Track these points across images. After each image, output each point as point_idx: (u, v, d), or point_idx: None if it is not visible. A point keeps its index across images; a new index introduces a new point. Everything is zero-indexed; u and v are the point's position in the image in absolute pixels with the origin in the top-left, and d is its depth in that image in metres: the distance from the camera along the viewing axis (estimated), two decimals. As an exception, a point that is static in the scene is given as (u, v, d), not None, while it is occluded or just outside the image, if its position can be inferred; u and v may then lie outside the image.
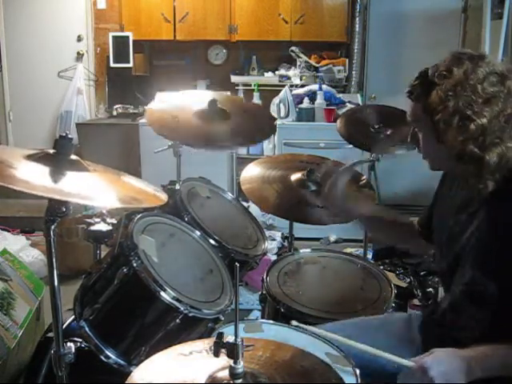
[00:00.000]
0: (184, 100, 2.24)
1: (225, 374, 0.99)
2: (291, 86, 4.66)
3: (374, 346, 1.46)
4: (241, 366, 0.98)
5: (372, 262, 2.51)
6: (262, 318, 1.89)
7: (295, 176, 2.08)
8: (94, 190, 1.24)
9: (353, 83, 4.83)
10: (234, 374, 0.97)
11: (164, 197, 1.40)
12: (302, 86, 4.67)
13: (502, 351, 1.19)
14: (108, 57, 4.78)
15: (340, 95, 4.52)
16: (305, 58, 4.80)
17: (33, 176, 1.15)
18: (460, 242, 1.34)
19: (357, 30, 4.75)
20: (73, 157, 1.26)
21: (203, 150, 2.09)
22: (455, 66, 1.25)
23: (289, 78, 4.81)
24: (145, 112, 2.21)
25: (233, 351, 0.97)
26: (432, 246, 1.60)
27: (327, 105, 4.34)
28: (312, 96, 4.44)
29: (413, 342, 1.49)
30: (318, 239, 4.20)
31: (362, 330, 1.54)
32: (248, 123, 2.22)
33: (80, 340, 1.42)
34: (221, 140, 2.09)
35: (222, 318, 1.54)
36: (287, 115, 4.35)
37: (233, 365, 0.97)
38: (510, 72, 1.27)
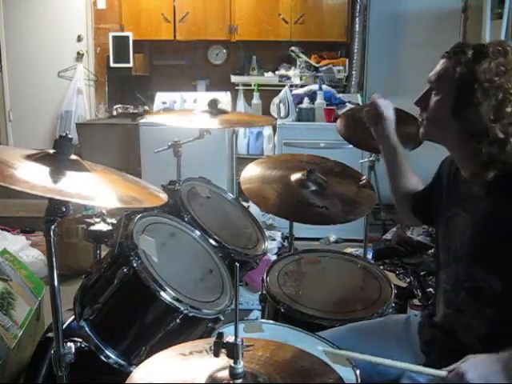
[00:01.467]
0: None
1: (225, 373, 0.99)
2: (291, 86, 4.66)
3: (373, 349, 1.46)
4: (241, 366, 0.97)
5: (372, 262, 2.52)
6: (262, 318, 1.89)
7: (295, 176, 2.08)
8: (94, 190, 1.24)
9: (353, 83, 4.83)
10: (233, 374, 0.97)
11: (164, 197, 1.40)
12: (302, 86, 4.67)
13: None
14: (108, 57, 4.78)
15: (340, 95, 4.52)
16: (305, 57, 4.80)
17: (33, 176, 1.15)
18: (457, 236, 1.33)
19: (357, 29, 4.74)
20: (73, 157, 1.26)
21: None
22: (509, 48, 1.25)
23: (289, 78, 4.81)
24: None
25: (233, 351, 0.97)
26: (414, 222, 1.65)
27: (327, 105, 4.34)
28: (312, 96, 4.44)
29: (411, 345, 1.48)
30: (318, 239, 4.21)
31: (362, 334, 1.53)
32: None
33: (80, 340, 1.42)
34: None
35: (222, 318, 1.54)
36: (287, 115, 4.35)
37: (233, 365, 0.97)
38: None
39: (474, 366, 1.15)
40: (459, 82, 1.26)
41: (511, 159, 1.22)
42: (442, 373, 1.17)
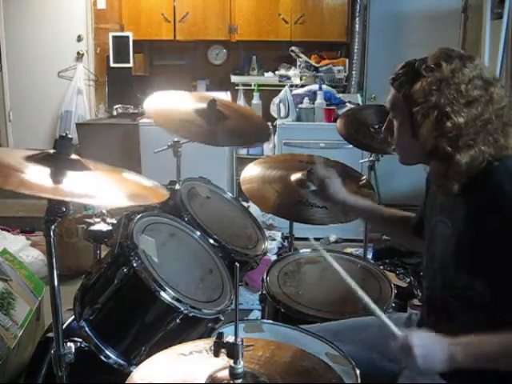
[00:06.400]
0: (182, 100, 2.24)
1: (225, 373, 0.99)
2: (291, 85, 4.66)
3: (373, 347, 1.46)
4: (241, 366, 0.98)
5: (372, 262, 2.52)
6: (262, 318, 1.89)
7: (295, 176, 2.08)
8: (96, 189, 1.25)
9: (353, 83, 4.83)
10: (233, 374, 0.97)
11: (165, 192, 1.41)
12: (302, 85, 4.67)
13: (489, 341, 1.15)
14: (108, 57, 4.78)
15: (340, 95, 4.52)
16: (305, 58, 4.80)
17: (33, 176, 1.15)
18: (442, 244, 1.33)
19: (357, 30, 4.74)
20: (73, 156, 1.27)
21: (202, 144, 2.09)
22: (444, 61, 1.25)
23: (289, 78, 4.81)
24: (144, 110, 2.19)
25: (233, 351, 0.97)
26: (415, 245, 1.62)
27: (327, 105, 4.34)
28: (312, 96, 4.44)
29: None
30: (318, 239, 4.20)
31: (360, 331, 1.53)
32: (245, 126, 2.23)
33: (80, 340, 1.42)
34: (220, 138, 2.10)
35: (222, 318, 1.54)
36: (287, 115, 4.35)
37: (233, 365, 0.98)
38: (496, 80, 1.28)
39: (422, 336, 1.18)
40: (407, 105, 1.29)
41: (463, 169, 1.22)
42: (398, 332, 1.19)
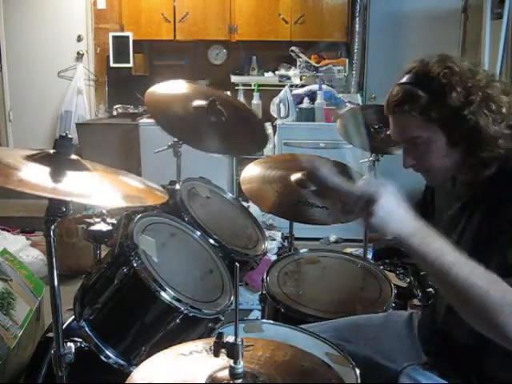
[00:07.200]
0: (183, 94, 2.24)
1: (225, 373, 0.99)
2: (291, 85, 4.66)
3: (375, 346, 1.46)
4: (241, 366, 0.97)
5: (372, 262, 2.51)
6: (262, 318, 1.89)
7: (295, 176, 2.08)
8: (95, 190, 1.25)
9: (353, 83, 4.83)
10: (233, 374, 0.97)
11: (164, 195, 1.41)
12: (302, 85, 4.67)
13: (457, 258, 1.06)
14: (108, 57, 4.78)
15: (340, 95, 4.52)
16: (305, 58, 4.80)
17: (33, 176, 1.15)
18: (451, 239, 1.33)
19: (357, 29, 4.75)
20: (73, 157, 1.27)
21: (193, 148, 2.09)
22: (447, 62, 1.21)
23: (289, 78, 4.81)
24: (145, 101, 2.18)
25: (233, 351, 0.97)
26: None
27: (327, 105, 4.34)
28: (312, 96, 4.44)
29: (413, 342, 1.48)
30: (318, 239, 4.20)
31: (362, 329, 1.53)
32: (242, 132, 2.22)
33: (80, 340, 1.42)
34: (212, 145, 2.09)
35: (222, 318, 1.54)
36: (287, 115, 4.35)
37: (233, 365, 0.97)
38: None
39: (392, 194, 1.13)
40: (440, 122, 1.20)
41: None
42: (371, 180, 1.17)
